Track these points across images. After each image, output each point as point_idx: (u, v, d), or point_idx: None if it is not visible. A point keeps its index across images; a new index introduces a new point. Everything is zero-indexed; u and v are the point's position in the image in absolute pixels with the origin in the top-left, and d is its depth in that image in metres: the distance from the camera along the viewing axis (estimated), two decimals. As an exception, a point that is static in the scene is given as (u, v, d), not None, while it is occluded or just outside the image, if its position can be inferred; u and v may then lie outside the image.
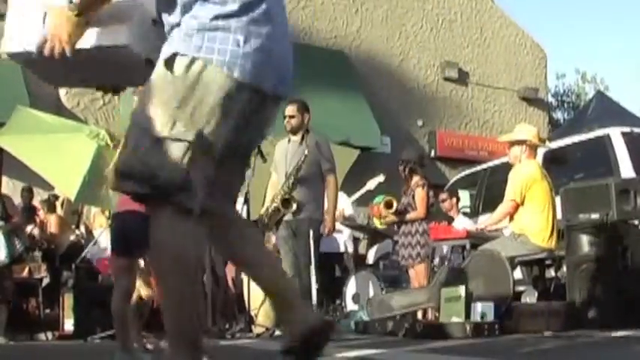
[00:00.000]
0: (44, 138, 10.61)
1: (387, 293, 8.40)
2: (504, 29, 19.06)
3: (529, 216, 7.45)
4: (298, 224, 7.87)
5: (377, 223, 9.51)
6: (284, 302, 3.03)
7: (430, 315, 7.98)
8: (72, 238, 10.71)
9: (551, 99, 25.34)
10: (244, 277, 8.74)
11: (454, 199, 10.50)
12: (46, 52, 2.85)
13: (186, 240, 2.76)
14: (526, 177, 7.50)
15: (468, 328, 6.26)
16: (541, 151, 9.60)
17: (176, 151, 2.68)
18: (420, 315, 8.09)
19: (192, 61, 2.71)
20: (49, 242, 10.39)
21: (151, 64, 2.86)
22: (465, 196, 11.68)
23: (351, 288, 9.20)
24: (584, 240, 7.03)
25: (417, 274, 8.77)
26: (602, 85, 28.02)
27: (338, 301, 9.60)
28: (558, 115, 27.39)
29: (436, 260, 9.19)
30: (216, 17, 2.75)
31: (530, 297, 8.18)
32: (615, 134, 9.24)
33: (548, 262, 7.81)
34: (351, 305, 9.02)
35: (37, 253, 10.01)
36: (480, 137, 18.03)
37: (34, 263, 9.66)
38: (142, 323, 6.09)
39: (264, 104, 2.95)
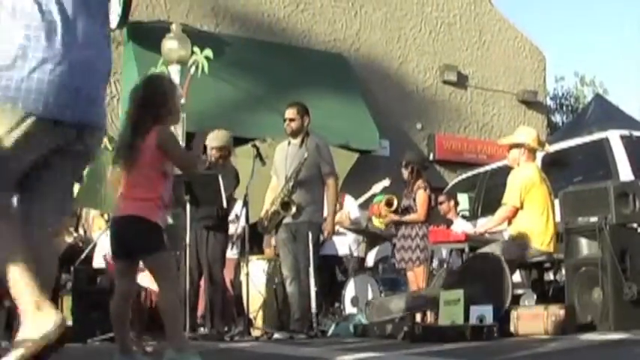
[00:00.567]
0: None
1: (386, 296, 8.40)
2: (503, 32, 19.07)
3: (528, 219, 7.46)
4: (298, 227, 7.88)
5: (376, 223, 9.50)
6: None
7: (429, 318, 7.98)
8: (69, 240, 10.67)
9: (550, 102, 25.33)
10: (243, 280, 8.75)
11: (452, 202, 10.51)
12: None
13: None
14: (525, 181, 7.50)
15: (466, 331, 6.26)
16: (540, 154, 9.61)
17: None
18: (418, 318, 8.09)
19: None
20: None
21: None
22: (464, 199, 11.68)
23: (349, 291, 9.19)
24: (583, 243, 7.03)
25: (416, 277, 8.78)
26: (601, 88, 28.03)
27: (337, 304, 9.60)
28: (557, 118, 27.40)
29: (435, 263, 9.19)
30: None
31: (528, 300, 8.18)
32: (614, 137, 9.24)
33: (546, 265, 7.81)
34: (349, 308, 9.02)
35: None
36: (479, 140, 18.03)
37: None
38: (142, 326, 6.10)
39: (48, 130, 3.28)
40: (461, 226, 9.72)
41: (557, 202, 7.44)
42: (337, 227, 9.81)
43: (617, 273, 6.63)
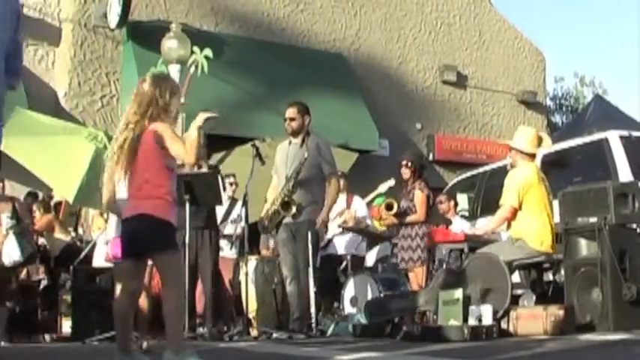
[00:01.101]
0: (43, 140, 10.62)
1: (386, 296, 8.40)
2: (503, 33, 19.07)
3: (526, 220, 7.44)
4: (298, 227, 7.88)
5: (377, 225, 9.50)
6: None
7: (428, 318, 7.98)
8: (67, 239, 10.68)
9: (549, 102, 25.32)
10: (242, 280, 8.75)
11: (452, 202, 10.51)
12: None
13: None
14: (523, 181, 7.49)
15: (465, 331, 6.27)
16: (540, 154, 9.60)
17: None
18: (417, 318, 8.08)
19: None
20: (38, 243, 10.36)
21: None
22: (463, 199, 11.68)
23: (349, 291, 9.19)
24: (583, 243, 7.03)
25: (416, 276, 8.78)
26: (601, 88, 28.03)
27: (336, 304, 9.59)
28: (557, 118, 27.39)
29: (434, 263, 9.19)
30: None
31: (528, 300, 8.18)
32: (613, 138, 9.24)
33: (546, 265, 7.81)
34: (349, 308, 9.01)
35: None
36: (478, 140, 18.03)
37: (32, 265, 9.65)
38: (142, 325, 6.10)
39: None
40: (460, 226, 9.72)
41: (556, 202, 7.44)
42: (340, 229, 9.83)
43: (617, 273, 6.64)
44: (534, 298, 7.91)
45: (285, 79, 14.53)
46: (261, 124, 13.18)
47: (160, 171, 4.57)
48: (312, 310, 7.73)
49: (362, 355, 5.47)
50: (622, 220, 6.84)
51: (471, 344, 6.02)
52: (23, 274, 9.56)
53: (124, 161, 4.59)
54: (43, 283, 9.86)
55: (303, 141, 8.06)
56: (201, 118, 4.74)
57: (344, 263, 10.01)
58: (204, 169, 8.00)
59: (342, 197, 9.63)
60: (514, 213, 7.51)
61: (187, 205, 7.53)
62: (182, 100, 10.95)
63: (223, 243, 9.59)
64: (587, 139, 9.75)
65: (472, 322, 6.55)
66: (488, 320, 6.52)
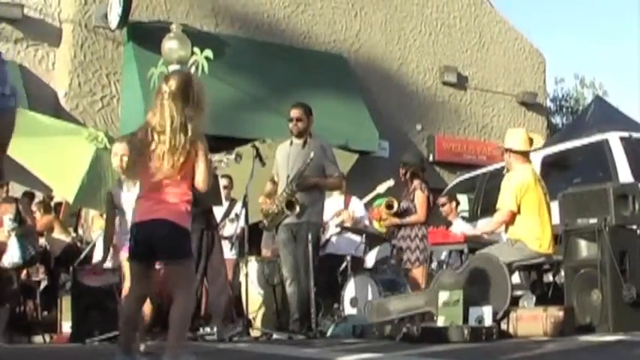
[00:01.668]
0: (43, 140, 10.61)
1: (385, 297, 8.40)
2: (503, 34, 19.07)
3: (525, 223, 7.44)
4: (298, 228, 7.88)
5: (377, 226, 9.50)
6: None
7: (428, 319, 7.97)
8: (68, 240, 10.69)
9: (549, 104, 25.30)
10: (242, 281, 8.75)
11: (453, 204, 10.51)
12: None
13: None
14: (519, 185, 7.48)
15: (465, 332, 6.26)
16: (539, 156, 9.60)
17: None
18: (418, 319, 8.08)
19: None
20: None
21: None
22: (463, 200, 11.68)
23: (349, 292, 9.18)
24: (583, 245, 7.04)
25: (416, 277, 8.78)
26: (601, 90, 28.00)
27: (336, 305, 9.59)
28: (557, 119, 27.37)
29: (434, 264, 9.19)
30: None
31: (528, 301, 8.18)
32: (614, 139, 9.23)
33: (546, 266, 7.81)
34: (349, 309, 9.01)
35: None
36: (478, 142, 18.03)
37: (32, 266, 9.65)
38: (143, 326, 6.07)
39: None
40: (460, 227, 9.72)
41: (556, 203, 7.43)
42: (338, 228, 9.82)
43: (617, 275, 6.64)
44: (534, 299, 7.91)
45: (286, 80, 14.54)
46: (262, 125, 13.18)
47: (186, 177, 4.49)
48: (312, 311, 7.73)
49: (362, 356, 5.47)
50: (622, 221, 6.84)
51: (471, 345, 6.02)
52: (23, 274, 9.56)
53: (177, 161, 4.45)
54: (43, 283, 9.86)
55: (305, 142, 8.08)
56: None
57: (344, 264, 10.01)
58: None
59: (340, 198, 9.63)
60: (512, 216, 7.50)
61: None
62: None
63: (223, 244, 9.59)
64: (588, 140, 9.74)
65: (472, 323, 6.55)
66: (488, 321, 6.51)
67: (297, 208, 7.83)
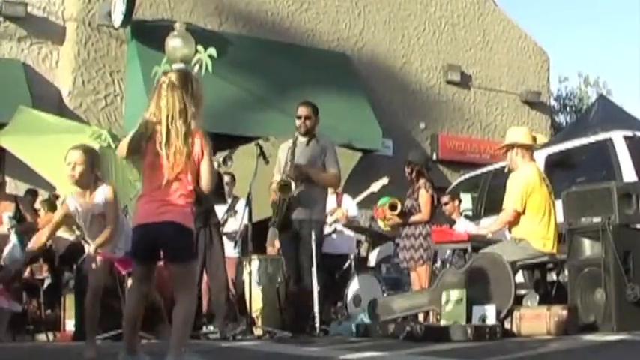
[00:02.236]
0: (46, 138, 10.62)
1: (389, 296, 8.41)
2: (507, 32, 19.05)
3: (529, 222, 7.44)
4: (301, 226, 7.87)
5: (381, 225, 9.50)
6: None
7: (431, 318, 7.98)
8: (72, 238, 10.68)
9: (553, 102, 25.29)
10: (245, 279, 8.75)
11: (456, 202, 10.51)
12: None
13: None
14: (525, 184, 7.46)
15: (469, 331, 6.27)
16: (543, 155, 9.60)
17: None
18: (421, 318, 8.09)
19: None
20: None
21: None
22: (466, 199, 11.67)
23: (352, 290, 9.20)
24: (586, 244, 7.04)
25: (419, 276, 8.78)
26: (605, 88, 27.98)
27: (339, 304, 9.60)
28: (561, 118, 27.34)
29: (438, 263, 9.19)
30: None
31: (531, 300, 8.18)
32: (617, 138, 9.23)
33: (549, 265, 7.81)
34: (352, 308, 9.02)
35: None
36: (482, 140, 18.01)
37: (35, 264, 9.66)
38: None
39: None
40: (463, 226, 9.72)
41: (560, 202, 7.43)
42: (335, 226, 9.83)
43: (620, 274, 6.64)
44: (538, 298, 7.91)
45: (289, 78, 14.53)
46: (265, 124, 13.18)
47: (189, 178, 4.46)
48: (316, 309, 7.73)
49: (365, 355, 5.47)
50: (626, 220, 6.84)
51: (475, 344, 6.02)
52: (27, 272, 9.57)
53: (178, 160, 4.43)
54: (47, 281, 9.86)
55: (309, 140, 8.09)
56: None
57: (347, 262, 10.02)
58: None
59: (332, 197, 9.60)
60: (517, 216, 7.50)
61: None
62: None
63: (225, 241, 9.59)
64: (591, 139, 9.73)
65: (475, 322, 6.55)
66: (491, 320, 6.52)
67: (293, 188, 7.79)
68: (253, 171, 8.13)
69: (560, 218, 7.44)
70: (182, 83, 4.55)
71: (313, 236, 7.73)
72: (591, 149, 9.63)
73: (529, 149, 7.77)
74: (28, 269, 9.59)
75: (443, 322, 6.88)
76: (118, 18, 13.61)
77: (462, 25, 18.35)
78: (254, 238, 8.48)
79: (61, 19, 13.99)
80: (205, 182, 4.51)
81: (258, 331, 8.24)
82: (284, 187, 7.82)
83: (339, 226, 9.92)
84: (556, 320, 6.53)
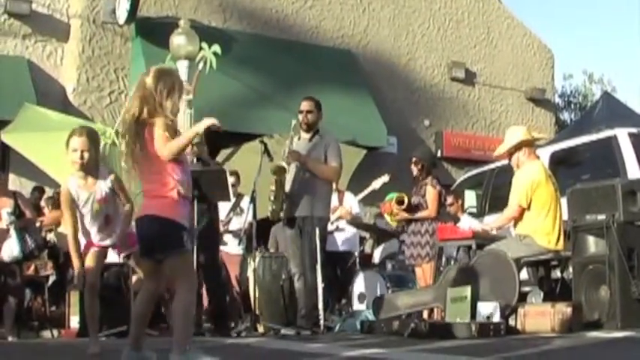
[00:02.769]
0: (51, 135, 10.63)
1: (393, 293, 8.41)
2: (511, 30, 19.02)
3: (534, 219, 7.43)
4: (304, 223, 7.87)
5: (389, 220, 9.48)
6: None
7: (436, 315, 7.98)
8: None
9: (558, 100, 25.26)
10: (250, 276, 8.76)
11: (459, 201, 10.51)
12: None
13: None
14: (530, 181, 7.46)
15: (473, 328, 6.27)
16: (548, 152, 9.59)
17: None
18: (425, 315, 8.09)
19: None
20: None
21: None
22: (471, 196, 11.67)
23: (357, 287, 9.19)
24: (591, 241, 7.02)
25: (424, 273, 8.77)
26: (609, 86, 27.94)
27: (344, 301, 9.60)
28: (565, 116, 27.32)
29: (442, 260, 9.18)
30: None
31: (535, 297, 8.19)
32: (622, 135, 9.22)
33: (554, 262, 7.80)
34: (357, 305, 9.02)
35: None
36: (486, 137, 17.99)
37: (40, 261, 9.67)
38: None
39: None
40: (468, 223, 9.71)
41: (564, 199, 7.42)
42: (338, 223, 9.83)
43: (625, 271, 6.63)
44: (542, 295, 7.91)
45: (294, 75, 14.53)
46: (269, 121, 13.18)
47: (164, 166, 4.45)
48: (320, 306, 7.73)
49: (369, 352, 5.47)
50: (630, 217, 6.82)
51: (479, 341, 6.02)
52: (31, 269, 9.58)
53: (129, 159, 4.50)
54: (52, 278, 9.87)
55: (313, 136, 8.09)
56: (204, 124, 4.56)
57: (351, 260, 10.02)
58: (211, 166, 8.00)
59: (334, 195, 9.58)
60: (521, 212, 7.49)
61: (195, 202, 7.52)
62: (190, 96, 10.99)
63: (229, 238, 9.60)
64: (596, 136, 9.72)
65: (480, 319, 6.54)
66: (495, 317, 6.51)
67: (287, 168, 7.81)
68: (258, 168, 8.13)
69: (565, 215, 7.44)
70: (139, 84, 4.58)
71: (317, 233, 7.74)
72: (596, 146, 9.62)
73: (533, 146, 7.77)
74: (33, 266, 9.60)
75: (447, 320, 6.87)
76: (122, 15, 13.61)
77: (467, 23, 18.33)
78: (258, 235, 8.48)
79: (65, 17, 14.00)
80: (156, 147, 4.45)
81: (262, 328, 8.25)
82: (278, 169, 7.81)
83: (342, 224, 9.92)
84: (560, 317, 6.53)
